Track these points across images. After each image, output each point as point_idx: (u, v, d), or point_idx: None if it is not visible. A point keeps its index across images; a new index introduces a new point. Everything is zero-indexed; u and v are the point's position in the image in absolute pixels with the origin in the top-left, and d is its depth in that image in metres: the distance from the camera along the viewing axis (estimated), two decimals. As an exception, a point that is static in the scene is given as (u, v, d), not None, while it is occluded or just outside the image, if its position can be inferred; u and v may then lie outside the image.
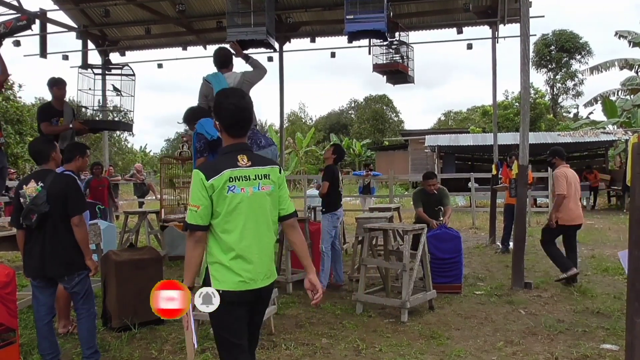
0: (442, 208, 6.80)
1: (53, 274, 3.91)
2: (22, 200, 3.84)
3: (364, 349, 4.47)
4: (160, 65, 11.51)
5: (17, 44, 9.76)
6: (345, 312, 5.62)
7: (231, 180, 2.56)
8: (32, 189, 3.83)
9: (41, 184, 3.83)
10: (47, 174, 3.93)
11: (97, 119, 6.94)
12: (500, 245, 9.40)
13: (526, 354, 4.34)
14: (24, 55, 10.27)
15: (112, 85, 7.20)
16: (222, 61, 5.20)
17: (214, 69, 5.22)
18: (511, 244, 8.50)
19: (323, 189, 6.77)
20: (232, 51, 5.30)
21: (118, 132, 37.29)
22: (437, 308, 5.69)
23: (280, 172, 2.74)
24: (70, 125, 6.08)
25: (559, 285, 6.69)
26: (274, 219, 2.73)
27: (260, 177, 2.64)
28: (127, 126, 6.94)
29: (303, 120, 49.74)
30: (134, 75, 7.25)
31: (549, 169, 13.90)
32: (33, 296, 4.05)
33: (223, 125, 2.71)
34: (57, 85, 6.16)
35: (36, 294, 3.99)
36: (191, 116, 5.05)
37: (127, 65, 7.59)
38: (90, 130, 6.54)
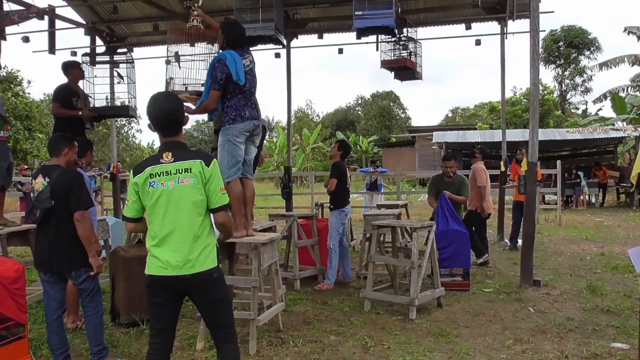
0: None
1: (59, 269, 3.92)
2: (32, 195, 3.92)
3: (372, 346, 4.46)
4: (168, 62, 11.52)
5: (26, 40, 9.76)
6: (353, 309, 5.61)
7: (152, 176, 2.84)
8: (39, 184, 3.88)
9: (47, 179, 3.86)
10: (54, 169, 3.95)
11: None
12: (509, 243, 9.36)
13: (536, 352, 4.32)
14: (33, 52, 10.28)
15: (117, 72, 7.26)
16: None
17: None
18: (519, 241, 8.47)
19: (331, 186, 6.74)
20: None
21: (126, 129, 37.50)
22: (446, 305, 5.67)
23: (207, 166, 2.85)
24: (80, 112, 6.11)
25: (569, 282, 6.66)
26: (198, 211, 2.86)
27: (180, 172, 2.83)
28: (133, 111, 6.99)
29: (310, 117, 49.67)
30: (133, 61, 7.32)
31: (557, 165, 13.88)
32: (44, 291, 4.07)
33: (154, 127, 2.99)
34: (75, 67, 6.29)
35: (47, 288, 4.00)
36: (228, 28, 4.64)
37: (128, 52, 7.66)
38: (97, 117, 6.57)
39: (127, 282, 5.06)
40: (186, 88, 5.08)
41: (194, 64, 5.26)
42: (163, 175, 2.83)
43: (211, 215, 2.96)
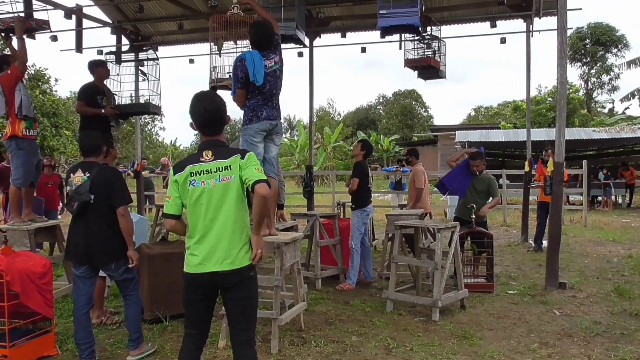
0: (474, 206, 6.68)
1: (99, 262, 4.05)
2: (68, 188, 4.09)
3: (395, 347, 4.43)
4: (192, 61, 11.60)
5: (54, 39, 9.93)
6: (375, 310, 5.58)
7: (192, 174, 2.88)
8: (78, 178, 4.03)
9: (87, 174, 4.01)
10: (94, 166, 4.10)
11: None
12: (533, 244, 9.22)
13: (562, 356, 4.24)
14: (61, 50, 10.45)
15: (140, 70, 7.33)
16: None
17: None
18: (544, 242, 8.33)
19: (353, 185, 6.71)
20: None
21: (149, 127, 37.98)
22: (469, 307, 5.60)
23: (242, 158, 2.89)
24: (103, 111, 6.22)
25: (595, 285, 6.53)
26: (239, 208, 2.90)
27: (220, 170, 2.88)
28: (156, 108, 7.05)
29: (331, 116, 49.66)
30: (157, 59, 7.40)
31: (583, 165, 13.62)
32: (74, 285, 4.16)
33: (196, 126, 3.03)
34: (101, 65, 6.39)
35: (78, 283, 4.09)
36: (253, 30, 4.68)
37: (151, 49, 7.73)
38: (121, 115, 6.65)
39: (151, 279, 5.12)
40: (230, 76, 5.10)
41: (237, 52, 5.27)
42: (203, 174, 2.87)
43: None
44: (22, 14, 6.00)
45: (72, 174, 4.08)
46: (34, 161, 5.66)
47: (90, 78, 6.32)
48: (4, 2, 6.30)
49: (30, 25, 5.94)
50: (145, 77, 7.24)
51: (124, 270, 4.11)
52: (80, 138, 4.61)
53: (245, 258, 2.92)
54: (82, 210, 3.96)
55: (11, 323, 4.03)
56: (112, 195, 4.01)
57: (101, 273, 5.06)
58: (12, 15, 6.09)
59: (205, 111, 2.96)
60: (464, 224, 6.60)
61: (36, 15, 7.00)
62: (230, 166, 2.88)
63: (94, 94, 6.26)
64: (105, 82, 6.46)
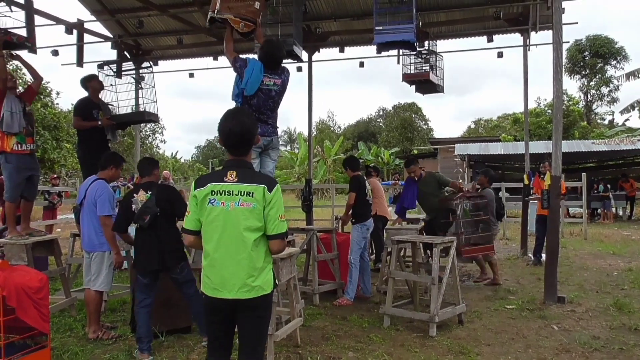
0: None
1: (170, 265, 4.63)
2: (134, 206, 4.62)
3: (391, 363, 4.40)
4: (191, 75, 11.69)
5: (55, 53, 10.05)
6: (373, 325, 5.56)
7: (213, 193, 2.80)
8: (142, 196, 4.62)
9: (150, 192, 4.62)
10: (152, 185, 4.75)
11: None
12: (532, 257, 9.20)
13: (559, 372, 4.21)
14: (62, 64, 10.52)
15: (133, 77, 7.39)
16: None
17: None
18: (543, 255, 8.31)
19: (350, 199, 6.74)
20: None
21: (150, 140, 38.08)
22: (467, 322, 5.58)
23: (269, 192, 2.80)
24: (99, 122, 6.29)
25: (594, 299, 6.50)
26: (255, 236, 2.79)
27: (242, 194, 2.78)
28: (152, 116, 7.06)
29: (331, 129, 49.80)
30: (151, 66, 7.49)
31: (582, 177, 13.63)
32: (139, 291, 4.65)
33: (222, 144, 2.97)
34: (94, 79, 6.50)
35: (144, 289, 4.61)
36: (262, 48, 4.86)
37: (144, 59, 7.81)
38: (117, 125, 6.68)
39: (148, 294, 5.09)
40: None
41: None
42: (225, 194, 2.78)
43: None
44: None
45: (134, 195, 4.65)
46: (24, 175, 5.68)
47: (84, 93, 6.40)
48: None
49: (10, 39, 5.96)
50: (139, 84, 7.30)
51: (186, 270, 4.72)
52: (139, 164, 5.25)
53: (264, 285, 2.81)
54: (151, 222, 4.48)
55: (7, 338, 4.02)
56: (176, 207, 4.64)
57: (97, 288, 5.11)
58: None
59: (232, 132, 2.87)
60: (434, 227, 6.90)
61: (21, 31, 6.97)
62: (253, 193, 2.78)
63: (90, 108, 6.35)
64: (101, 95, 6.52)
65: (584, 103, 37.04)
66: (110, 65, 7.64)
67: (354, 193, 6.71)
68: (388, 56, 8.84)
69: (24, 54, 6.29)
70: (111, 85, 7.00)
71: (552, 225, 6.57)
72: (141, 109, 7.01)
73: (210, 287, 2.82)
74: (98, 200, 5.02)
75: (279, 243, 2.86)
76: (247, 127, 2.90)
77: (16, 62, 9.30)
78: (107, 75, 7.07)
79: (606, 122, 38.10)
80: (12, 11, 6.43)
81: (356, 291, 6.69)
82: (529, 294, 6.88)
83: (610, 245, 11.34)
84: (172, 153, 43.35)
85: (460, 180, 7.41)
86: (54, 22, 9.00)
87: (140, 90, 7.13)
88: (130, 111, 7.05)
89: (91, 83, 6.42)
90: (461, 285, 5.91)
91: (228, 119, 2.91)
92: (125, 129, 7.92)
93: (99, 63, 8.09)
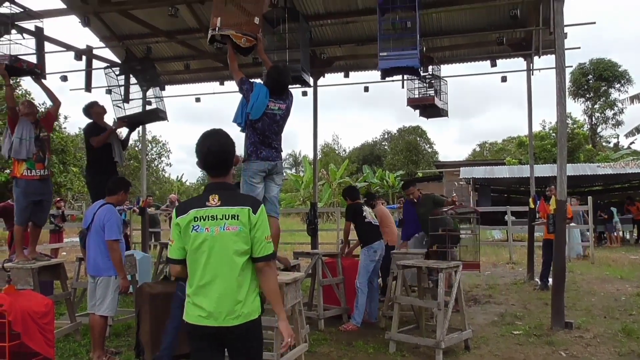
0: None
1: None
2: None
3: (397, 389, 4.36)
4: (198, 99, 11.82)
5: (64, 79, 10.22)
6: (378, 351, 5.51)
7: (196, 219, 2.69)
8: None
9: None
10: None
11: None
12: (539, 282, 9.12)
13: (567, 400, 4.16)
14: (70, 90, 10.68)
15: (136, 79, 7.64)
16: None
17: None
18: (550, 280, 8.25)
19: (346, 228, 6.99)
20: None
21: (156, 163, 38.30)
22: (473, 348, 5.52)
23: (254, 213, 2.72)
24: (113, 126, 6.57)
25: (602, 325, 6.43)
26: (243, 260, 2.70)
27: (227, 217, 2.69)
28: (163, 113, 7.27)
29: (336, 152, 49.98)
30: (154, 68, 7.74)
31: (588, 201, 13.58)
32: (179, 308, 4.42)
33: (201, 166, 2.87)
34: (96, 105, 6.66)
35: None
36: (268, 74, 4.93)
37: (146, 60, 8.07)
38: (129, 125, 6.83)
39: (152, 320, 5.07)
40: None
41: None
42: (208, 220, 2.68)
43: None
44: (15, 57, 6.14)
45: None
46: (31, 199, 5.76)
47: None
48: (1, 41, 6.48)
49: (20, 66, 6.13)
50: (144, 85, 7.52)
51: None
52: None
53: (251, 312, 2.72)
54: None
55: (12, 364, 4.02)
56: None
57: (102, 313, 5.11)
58: (2, 54, 6.24)
59: (210, 152, 2.79)
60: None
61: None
62: (238, 216, 2.69)
63: (98, 131, 6.51)
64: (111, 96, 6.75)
65: (588, 126, 37.06)
66: (113, 69, 7.97)
67: (349, 222, 6.91)
68: (392, 81, 8.92)
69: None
70: (117, 87, 7.24)
71: (558, 249, 6.54)
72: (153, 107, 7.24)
73: (194, 316, 2.69)
74: (106, 225, 5.05)
75: (266, 265, 2.77)
76: (225, 146, 2.83)
77: (25, 87, 9.50)
78: (111, 77, 7.36)
79: (611, 145, 38.08)
80: (24, 38, 6.58)
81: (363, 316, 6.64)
82: (536, 319, 6.82)
83: (618, 270, 11.24)
84: (177, 176, 43.50)
85: (454, 194, 7.43)
86: (64, 49, 9.18)
87: (152, 89, 7.35)
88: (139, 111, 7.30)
89: (94, 109, 6.59)
90: (467, 310, 5.85)
91: (206, 139, 2.83)
92: (137, 127, 8.12)
93: (105, 66, 8.41)
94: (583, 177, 20.19)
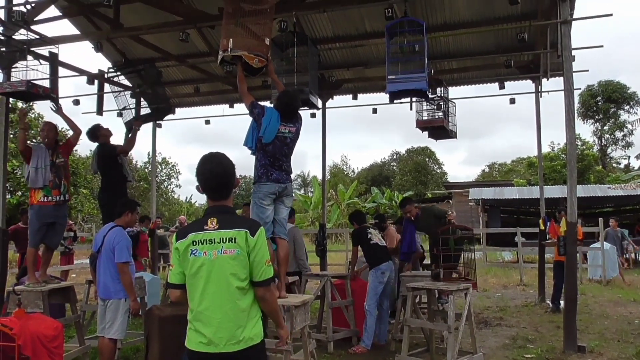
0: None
1: None
2: None
3: (408, 415, 4.30)
4: (207, 122, 11.94)
5: (76, 102, 10.40)
6: (388, 374, 5.45)
7: (194, 243, 2.68)
8: None
9: None
10: None
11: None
12: (551, 304, 9.00)
13: None
14: (82, 113, 10.85)
15: (137, 83, 7.92)
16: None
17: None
18: (562, 302, 8.14)
19: (353, 252, 7.06)
20: None
21: (165, 184, 38.52)
22: (485, 372, 5.45)
23: (252, 236, 2.68)
24: (136, 128, 7.01)
25: (616, 349, 6.33)
26: (242, 284, 2.67)
27: (224, 241, 2.66)
28: (169, 108, 7.64)
29: (345, 173, 50.01)
30: (156, 69, 8.44)
31: (599, 222, 13.46)
32: None
33: (201, 189, 2.88)
34: (101, 127, 6.74)
35: None
36: (278, 98, 4.98)
37: (147, 63, 8.36)
38: (147, 120, 7.07)
39: (162, 342, 5.04)
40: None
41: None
42: (206, 244, 2.66)
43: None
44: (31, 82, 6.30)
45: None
46: (43, 222, 5.83)
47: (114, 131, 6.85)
48: (17, 68, 6.63)
49: (36, 91, 6.27)
50: (146, 88, 7.78)
51: None
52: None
53: (253, 337, 2.67)
54: None
55: (21, 387, 4.02)
56: None
57: (112, 336, 5.10)
58: (19, 80, 6.39)
59: (211, 175, 2.78)
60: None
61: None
62: (235, 239, 2.66)
63: (112, 149, 6.71)
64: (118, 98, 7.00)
65: (598, 147, 36.95)
66: (125, 92, 8.28)
67: (355, 247, 6.97)
68: (401, 102, 8.99)
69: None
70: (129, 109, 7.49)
71: (570, 272, 6.46)
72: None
73: (195, 342, 2.64)
74: (116, 248, 5.08)
75: (264, 290, 2.72)
76: (226, 169, 2.82)
77: (38, 111, 9.64)
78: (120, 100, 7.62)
79: (622, 166, 37.87)
80: (40, 64, 6.72)
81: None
82: (548, 342, 6.72)
83: (631, 292, 11.07)
84: (186, 197, 43.56)
85: (450, 212, 7.44)
86: (77, 73, 9.34)
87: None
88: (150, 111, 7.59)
89: (101, 132, 6.71)
90: (478, 333, 5.78)
91: (207, 162, 2.82)
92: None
93: (107, 70, 8.73)
94: (594, 198, 20.05)
